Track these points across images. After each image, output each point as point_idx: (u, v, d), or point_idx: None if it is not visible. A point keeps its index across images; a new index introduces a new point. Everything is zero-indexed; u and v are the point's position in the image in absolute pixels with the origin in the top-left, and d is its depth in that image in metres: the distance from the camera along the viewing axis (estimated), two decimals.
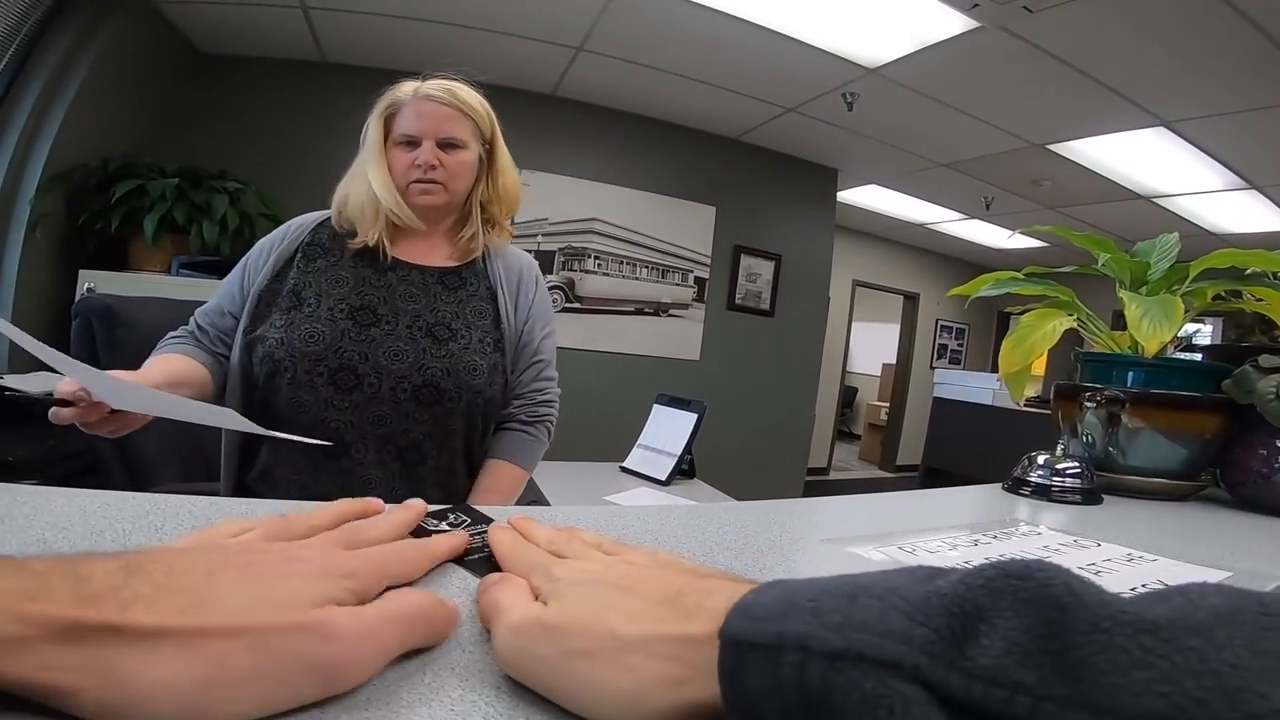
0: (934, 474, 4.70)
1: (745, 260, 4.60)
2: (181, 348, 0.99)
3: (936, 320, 7.49)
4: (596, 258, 4.18)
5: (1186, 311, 0.88)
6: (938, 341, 7.55)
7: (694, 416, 2.17)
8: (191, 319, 1.04)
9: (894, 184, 4.90)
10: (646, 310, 4.34)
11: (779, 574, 0.45)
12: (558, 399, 1.19)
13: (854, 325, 7.04)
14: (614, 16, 2.89)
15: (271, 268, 1.02)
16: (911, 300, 7.31)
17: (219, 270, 2.67)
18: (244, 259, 1.06)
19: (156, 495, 0.45)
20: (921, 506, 0.80)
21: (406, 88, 1.06)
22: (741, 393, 4.53)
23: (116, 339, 1.17)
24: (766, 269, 4.69)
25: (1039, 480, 0.86)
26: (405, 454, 0.99)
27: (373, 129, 1.06)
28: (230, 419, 0.69)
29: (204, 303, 1.08)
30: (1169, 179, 3.90)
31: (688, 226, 4.41)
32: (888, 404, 7.64)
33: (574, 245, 4.13)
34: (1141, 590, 0.46)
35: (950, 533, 0.61)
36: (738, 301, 4.60)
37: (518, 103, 3.92)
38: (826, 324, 5.09)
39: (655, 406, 2.32)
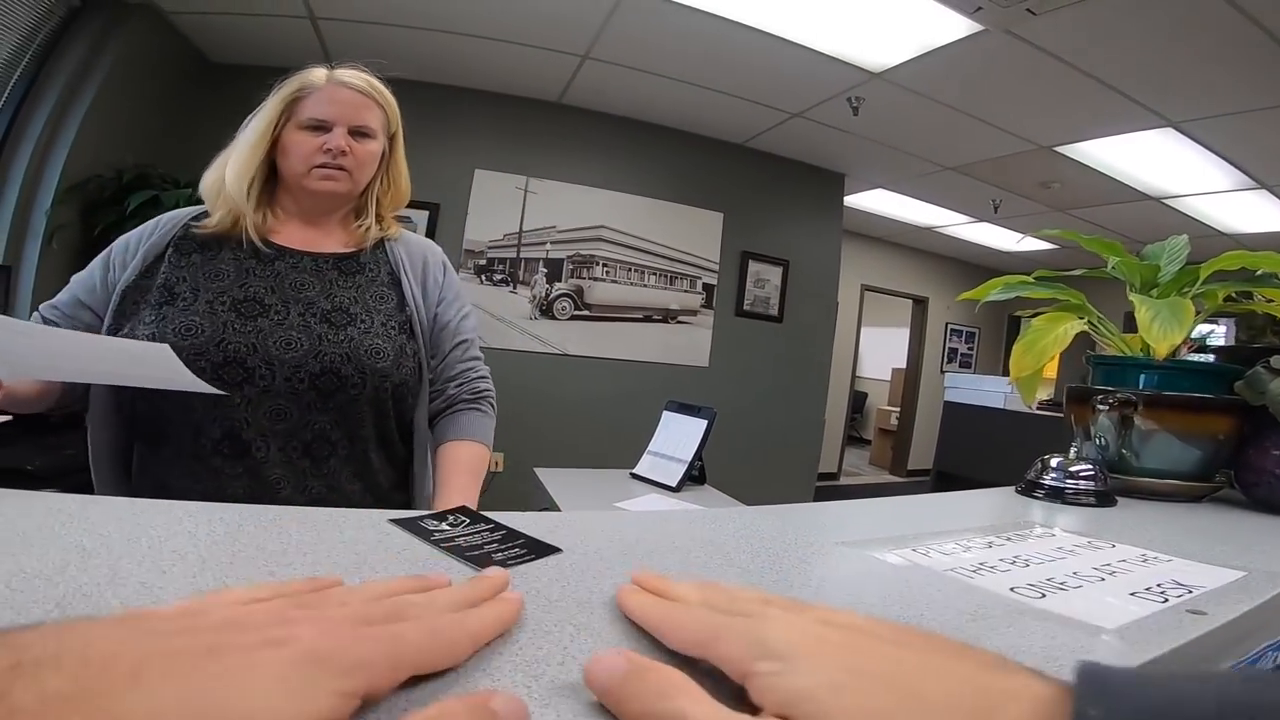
0: (946, 478, 4.68)
1: (753, 266, 4.61)
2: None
3: (946, 324, 7.46)
4: (604, 265, 4.19)
5: (1197, 314, 0.88)
6: (948, 345, 7.52)
7: (704, 423, 2.18)
8: (35, 313, 0.96)
9: (901, 187, 4.90)
10: (655, 317, 4.35)
11: (796, 579, 0.46)
12: (490, 376, 1.14)
13: (863, 330, 7.02)
14: (619, 24, 2.92)
15: (140, 262, 0.94)
16: (920, 304, 7.29)
17: None
18: (106, 251, 0.98)
19: (190, 503, 0.46)
20: (934, 510, 0.80)
21: (319, 72, 1.01)
22: (751, 399, 4.53)
23: None
24: (774, 274, 4.69)
25: (1052, 483, 0.86)
26: (312, 448, 0.91)
27: (268, 109, 0.99)
28: (167, 367, 0.66)
29: None
30: (1178, 179, 3.89)
31: (695, 233, 4.42)
32: (898, 408, 7.61)
33: (582, 253, 4.15)
34: (1159, 590, 0.46)
35: (964, 535, 0.61)
36: (746, 307, 4.60)
37: (524, 110, 3.96)
38: (835, 329, 5.08)
39: (665, 413, 2.32)
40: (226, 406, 0.86)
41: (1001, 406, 4.38)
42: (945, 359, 7.48)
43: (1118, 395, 0.88)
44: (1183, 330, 0.77)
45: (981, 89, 3.09)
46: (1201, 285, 0.88)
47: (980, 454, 4.20)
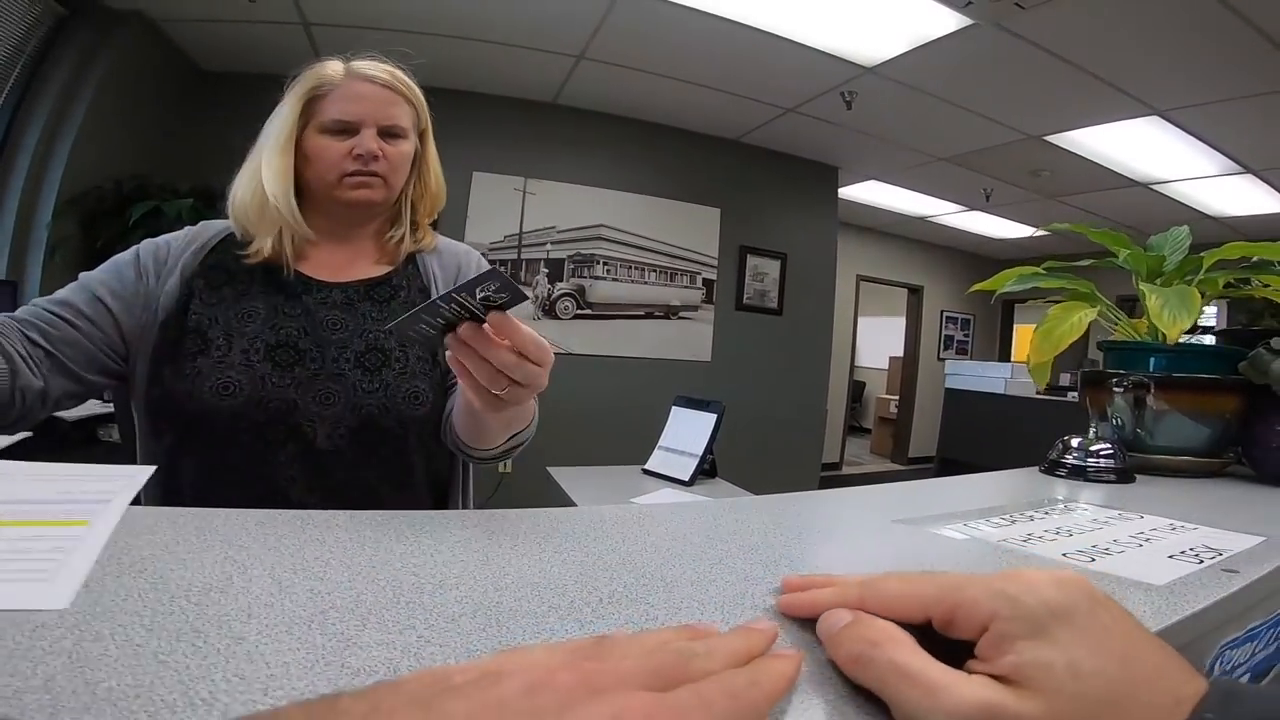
0: (950, 464, 4.75)
1: (752, 260, 4.66)
2: None
3: (941, 311, 7.54)
4: (605, 263, 4.23)
5: (1202, 298, 0.93)
6: (944, 332, 7.60)
7: (713, 416, 2.22)
8: (31, 306, 0.79)
9: (894, 179, 4.96)
10: (656, 313, 4.39)
11: (871, 554, 0.50)
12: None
13: (860, 320, 7.09)
14: (614, 23, 2.96)
15: (179, 281, 0.85)
16: (916, 293, 7.36)
17: None
18: (133, 253, 0.86)
19: (312, 511, 0.50)
20: (966, 490, 0.84)
21: (335, 65, 0.91)
22: (754, 391, 4.59)
23: None
24: (773, 268, 4.75)
25: (1074, 462, 0.91)
26: (361, 504, 0.79)
27: (286, 112, 0.89)
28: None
29: None
30: (1165, 166, 3.96)
31: (694, 229, 4.47)
32: (897, 397, 7.69)
33: (582, 252, 4.19)
34: (1193, 553, 0.51)
35: (1005, 512, 0.66)
36: (746, 301, 4.65)
37: (520, 112, 3.98)
38: (833, 319, 5.14)
39: (674, 408, 2.36)
40: (272, 464, 0.81)
41: (1002, 392, 4.46)
42: (942, 346, 7.57)
43: (1132, 378, 0.93)
44: (1191, 316, 0.82)
45: (972, 81, 3.14)
46: (1205, 273, 0.93)
47: (983, 439, 4.27)
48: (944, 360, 6.94)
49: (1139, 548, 0.54)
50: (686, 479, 2.13)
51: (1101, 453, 0.90)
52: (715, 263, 4.53)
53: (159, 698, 0.23)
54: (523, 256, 4.07)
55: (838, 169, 4.79)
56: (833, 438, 6.33)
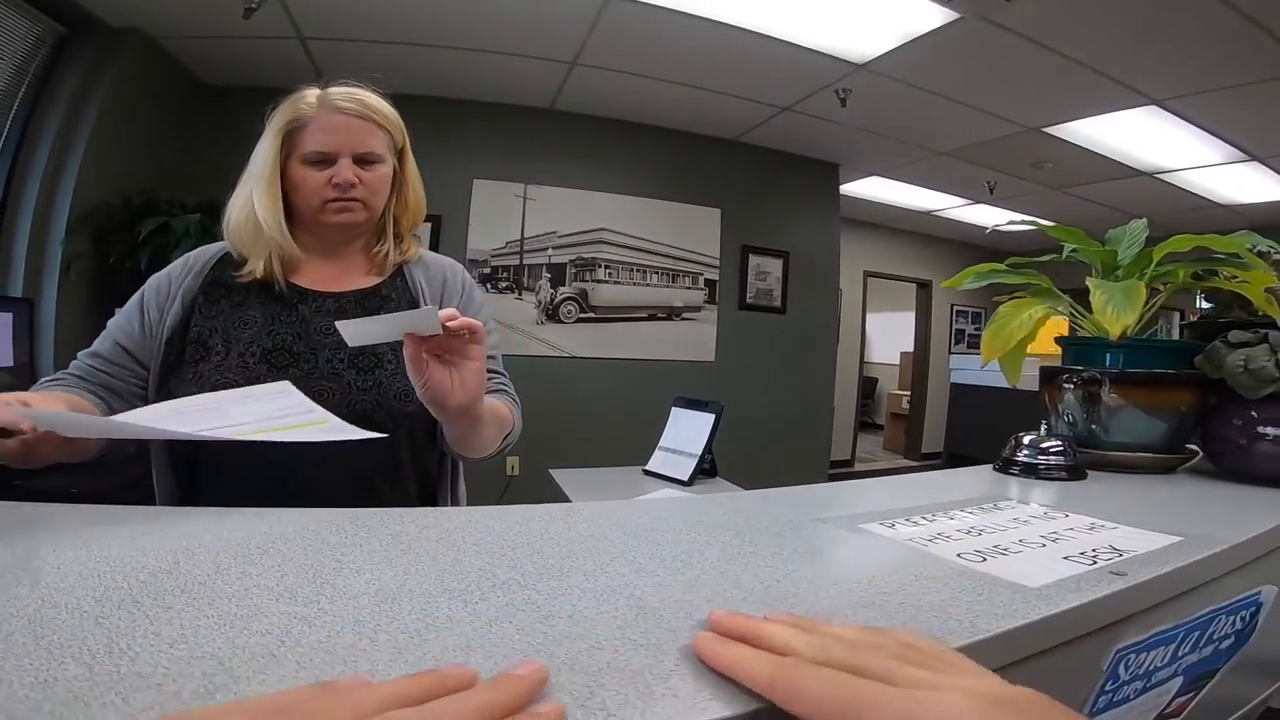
0: (957, 460, 4.70)
1: (754, 259, 4.66)
2: (66, 389, 0.87)
3: (951, 305, 7.47)
4: (607, 267, 4.26)
5: (1158, 293, 0.93)
6: (954, 327, 7.54)
7: (712, 416, 2.24)
8: (76, 362, 0.92)
9: (895, 174, 4.93)
10: (659, 315, 4.41)
11: (769, 551, 0.52)
12: (511, 386, 1.09)
13: (870, 316, 7.05)
14: (603, 30, 2.98)
15: (180, 307, 0.94)
16: (925, 288, 7.31)
17: None
18: (139, 296, 0.96)
19: (281, 510, 0.55)
20: (918, 488, 0.86)
21: (309, 98, 0.95)
22: (759, 390, 4.59)
23: None
24: (775, 266, 4.74)
25: (1026, 459, 0.92)
26: (356, 495, 0.91)
27: (268, 144, 0.95)
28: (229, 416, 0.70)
29: None
30: (1169, 155, 3.91)
31: (694, 230, 4.48)
32: (909, 392, 7.63)
33: (584, 256, 4.22)
34: (1091, 554, 0.52)
35: (935, 510, 0.67)
36: (749, 300, 4.65)
37: (517, 119, 4.02)
38: (840, 317, 5.12)
39: (673, 409, 2.38)
40: (273, 459, 0.83)
41: (1007, 386, 4.41)
42: (953, 340, 7.50)
43: (1084, 374, 0.94)
44: (1134, 311, 0.83)
45: (963, 75, 3.13)
46: (1156, 267, 0.93)
47: (989, 434, 4.20)
48: (954, 354, 6.88)
49: (1041, 548, 0.55)
50: (686, 479, 2.15)
51: (1051, 450, 0.90)
52: (717, 263, 4.54)
53: (87, 649, 0.30)
54: (525, 262, 4.11)
55: (838, 166, 4.77)
56: (843, 435, 6.31)
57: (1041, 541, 0.57)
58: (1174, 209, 4.71)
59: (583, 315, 4.21)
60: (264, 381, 0.87)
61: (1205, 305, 1.43)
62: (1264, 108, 3.06)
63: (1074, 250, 1.00)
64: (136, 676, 0.28)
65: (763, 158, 4.57)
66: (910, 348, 7.67)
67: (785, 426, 4.68)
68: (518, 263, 4.09)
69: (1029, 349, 1.02)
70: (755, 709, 0.29)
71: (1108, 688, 0.51)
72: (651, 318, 4.39)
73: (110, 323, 0.96)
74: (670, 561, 0.48)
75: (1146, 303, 0.96)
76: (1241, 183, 4.21)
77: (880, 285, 7.04)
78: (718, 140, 4.43)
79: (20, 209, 2.81)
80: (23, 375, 2.66)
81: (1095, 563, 0.52)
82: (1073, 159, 4.08)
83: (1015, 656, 0.40)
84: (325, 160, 0.94)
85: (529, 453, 3.85)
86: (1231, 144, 3.59)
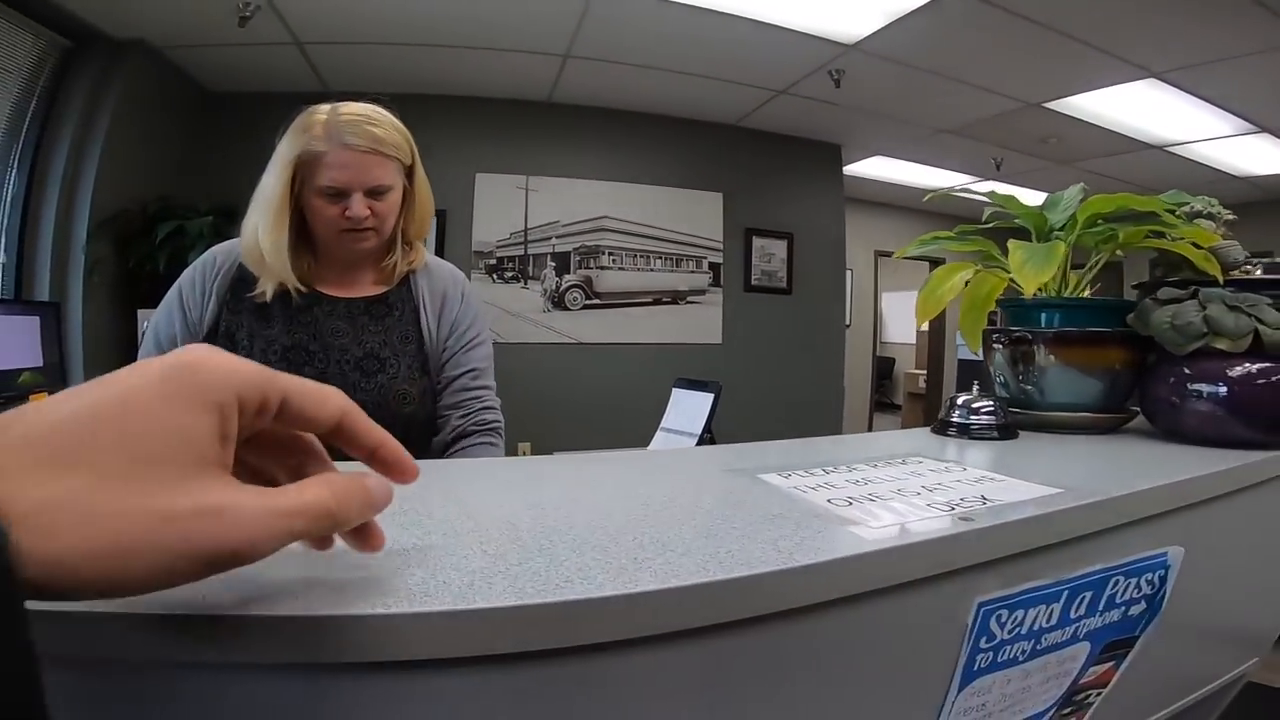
0: None
1: (758, 241, 4.67)
2: None
3: (966, 281, 7.38)
4: (610, 254, 4.31)
5: (1097, 254, 0.95)
6: None
7: (710, 395, 2.28)
8: None
9: (898, 153, 4.90)
10: (664, 300, 4.45)
11: (656, 494, 0.56)
12: (499, 407, 1.15)
13: (885, 296, 7.00)
14: (592, 23, 3.02)
15: (217, 301, 1.02)
16: (938, 265, 7.22)
17: None
18: (175, 296, 1.03)
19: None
20: (851, 447, 0.88)
21: (317, 129, 0.98)
22: (767, 372, 4.61)
23: None
24: (780, 248, 4.75)
25: (959, 420, 0.94)
26: None
27: (277, 173, 1.00)
28: None
29: None
30: (1176, 128, 3.84)
31: (697, 214, 4.50)
32: (925, 372, 7.57)
33: (587, 244, 4.27)
34: (958, 503, 0.53)
35: (845, 465, 0.70)
36: (754, 282, 4.67)
37: (517, 112, 4.08)
38: (848, 297, 5.11)
39: (674, 390, 2.43)
40: None
41: None
42: None
43: (1012, 333, 0.96)
44: (1050, 269, 0.85)
45: (955, 51, 3.10)
46: (1087, 229, 0.95)
47: None
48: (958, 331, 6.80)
49: (915, 496, 0.56)
50: None
51: (983, 410, 0.93)
52: (720, 246, 4.56)
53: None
54: (529, 252, 4.17)
55: (840, 146, 4.75)
56: (856, 415, 6.30)
57: (918, 490, 0.60)
58: (1189, 182, 4.55)
59: (588, 302, 4.27)
60: None
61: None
62: (1268, 80, 2.99)
63: (1016, 217, 1.02)
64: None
65: (763, 141, 4.57)
66: (926, 326, 7.60)
67: (793, 406, 4.70)
68: (522, 253, 4.16)
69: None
70: (577, 599, 0.33)
71: (983, 645, 0.52)
72: (656, 302, 4.43)
73: (154, 328, 1.03)
74: (566, 506, 0.52)
75: (1088, 265, 0.98)
76: (1255, 154, 4.11)
77: (894, 265, 6.99)
78: (717, 125, 4.44)
79: (43, 217, 2.94)
80: (52, 375, 2.79)
81: (953, 510, 0.52)
82: (1078, 134, 4.02)
83: (847, 591, 0.41)
84: (339, 194, 0.99)
85: (540, 436, 3.95)
86: (1240, 116, 3.51)
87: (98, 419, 0.21)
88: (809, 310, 4.82)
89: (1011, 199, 1.00)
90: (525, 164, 4.12)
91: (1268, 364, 0.88)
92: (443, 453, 1.11)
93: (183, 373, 0.23)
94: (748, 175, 4.58)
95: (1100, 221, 0.95)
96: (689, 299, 4.52)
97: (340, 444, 0.32)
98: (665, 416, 2.42)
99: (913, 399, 8.04)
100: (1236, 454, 0.83)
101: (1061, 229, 0.98)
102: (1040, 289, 0.97)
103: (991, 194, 1.02)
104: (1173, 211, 0.93)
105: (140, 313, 3.10)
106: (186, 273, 1.05)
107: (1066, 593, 0.57)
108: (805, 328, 4.81)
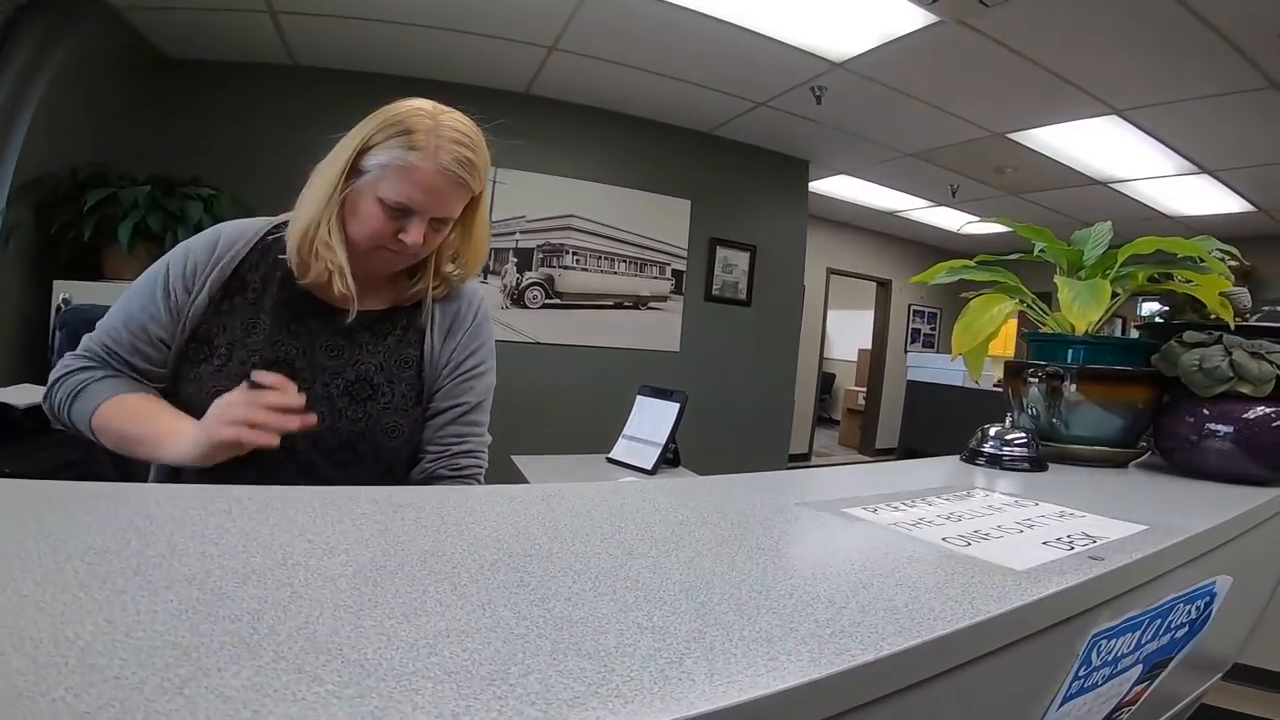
0: (912, 454, 4.85)
1: (721, 252, 4.69)
2: (129, 384, 0.89)
3: (909, 305, 7.66)
4: (574, 253, 4.23)
5: (1115, 296, 0.97)
6: (911, 326, 7.73)
7: (676, 406, 2.25)
8: (97, 345, 0.90)
9: (863, 173, 5.02)
10: (626, 304, 4.41)
11: (760, 535, 0.53)
12: (484, 448, 1.04)
13: (830, 313, 7.17)
14: (587, 15, 2.95)
15: (207, 297, 0.91)
16: (884, 286, 7.46)
17: None
18: (160, 275, 0.90)
19: (229, 486, 0.51)
20: (889, 476, 0.88)
21: (419, 137, 0.86)
22: (722, 382, 4.63)
23: None
24: (742, 260, 4.78)
25: (991, 451, 0.94)
26: None
27: (345, 161, 0.88)
28: None
29: None
30: (1124, 165, 4.07)
31: (664, 220, 4.48)
32: (865, 389, 7.80)
33: (552, 242, 4.18)
34: (1068, 540, 0.53)
35: (909, 497, 0.69)
36: (715, 292, 4.69)
37: (490, 102, 3.91)
38: (803, 312, 5.20)
39: (639, 398, 2.39)
40: (264, 464, 0.84)
41: (960, 384, 4.57)
42: (909, 339, 7.69)
43: (1047, 369, 0.97)
44: (1100, 308, 0.86)
45: (938, 78, 3.19)
46: (1120, 268, 0.97)
47: (942, 429, 4.38)
48: (909, 353, 7.06)
49: (1019, 534, 0.57)
50: (649, 468, 2.16)
51: (1016, 442, 0.93)
52: (685, 254, 4.56)
53: (29, 638, 0.26)
54: (491, 245, 4.05)
55: (808, 163, 4.83)
56: (801, 429, 6.42)
57: (1018, 528, 0.59)
58: (1123, 218, 4.89)
59: (548, 301, 4.19)
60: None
61: (1146, 311, 1.50)
62: (1219, 121, 3.21)
63: (1042, 250, 1.03)
64: (89, 669, 0.25)
65: (735, 152, 4.60)
66: (868, 345, 7.84)
67: (746, 418, 4.74)
68: None
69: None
70: (783, 689, 0.28)
71: (1081, 673, 0.53)
72: (618, 306, 4.38)
73: (126, 305, 0.91)
74: (661, 543, 0.47)
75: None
76: (1190, 195, 4.41)
77: (841, 283, 7.17)
78: (692, 133, 4.44)
79: None
80: None
81: (1073, 548, 0.53)
82: (1033, 165, 4.22)
83: (1007, 640, 0.40)
84: (403, 212, 0.88)
85: (493, 435, 3.82)
86: (1185, 156, 3.75)
87: None
88: (766, 324, 4.88)
89: (1044, 232, 1.01)
90: (495, 155, 3.94)
91: None
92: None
93: None
94: (717, 184, 4.59)
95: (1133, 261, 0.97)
96: (650, 304, 4.49)
97: None
98: (629, 423, 2.39)
99: (851, 414, 8.26)
100: (1252, 490, 0.88)
101: (1093, 265, 0.99)
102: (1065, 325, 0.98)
103: (1025, 228, 1.02)
104: (1201, 259, 0.95)
105: (56, 284, 2.84)
106: (178, 250, 0.92)
107: (1147, 621, 0.60)
108: (762, 341, 4.87)
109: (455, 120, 0.90)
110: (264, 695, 0.24)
